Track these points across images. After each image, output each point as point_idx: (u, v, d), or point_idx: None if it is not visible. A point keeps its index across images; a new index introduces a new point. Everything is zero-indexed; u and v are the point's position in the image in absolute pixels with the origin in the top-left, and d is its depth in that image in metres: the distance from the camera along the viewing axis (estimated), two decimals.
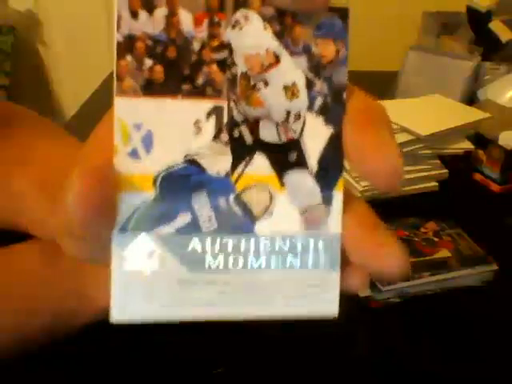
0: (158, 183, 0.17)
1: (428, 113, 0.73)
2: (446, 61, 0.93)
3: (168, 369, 0.37)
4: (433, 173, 0.68)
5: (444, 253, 0.52)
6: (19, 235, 0.31)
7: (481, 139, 0.71)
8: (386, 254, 0.17)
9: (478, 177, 0.72)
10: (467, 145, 0.70)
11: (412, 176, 0.66)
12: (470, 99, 0.91)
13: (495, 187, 0.70)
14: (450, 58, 0.93)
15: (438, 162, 0.69)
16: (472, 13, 1.01)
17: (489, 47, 0.98)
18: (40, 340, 0.30)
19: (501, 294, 0.49)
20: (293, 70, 0.17)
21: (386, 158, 0.16)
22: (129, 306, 0.17)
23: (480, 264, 0.50)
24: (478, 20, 1.00)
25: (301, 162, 0.18)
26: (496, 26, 0.98)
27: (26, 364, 0.31)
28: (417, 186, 0.67)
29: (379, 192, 0.17)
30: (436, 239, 0.54)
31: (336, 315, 0.18)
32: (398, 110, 0.70)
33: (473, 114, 0.72)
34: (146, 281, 0.17)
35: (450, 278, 0.49)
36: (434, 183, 0.68)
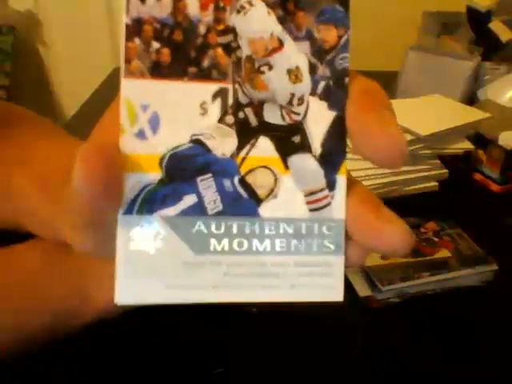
0: (164, 163, 0.17)
1: (428, 113, 0.73)
2: (446, 61, 0.93)
3: (168, 369, 0.37)
4: (433, 173, 0.68)
5: (444, 253, 0.52)
6: (19, 235, 0.31)
7: (481, 139, 0.71)
8: (390, 232, 0.17)
9: (478, 177, 0.72)
10: (467, 145, 0.70)
11: (412, 176, 0.66)
12: (470, 99, 0.91)
13: (495, 187, 0.70)
14: (450, 58, 0.93)
15: (438, 162, 0.69)
16: (472, 13, 1.01)
17: (489, 47, 0.98)
18: (40, 340, 0.30)
19: (501, 294, 0.49)
20: (296, 55, 0.18)
21: (390, 135, 0.16)
22: (133, 287, 0.17)
23: (480, 264, 0.50)
24: (478, 20, 1.00)
25: (304, 145, 0.18)
26: (496, 26, 0.98)
27: (26, 364, 0.31)
28: (417, 186, 0.67)
29: (382, 167, 0.17)
30: (436, 239, 0.54)
31: (341, 299, 0.18)
32: (398, 109, 0.69)
33: (473, 114, 0.72)
34: (151, 262, 0.17)
35: (450, 278, 0.49)
36: (433, 183, 0.68)
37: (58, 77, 1.74)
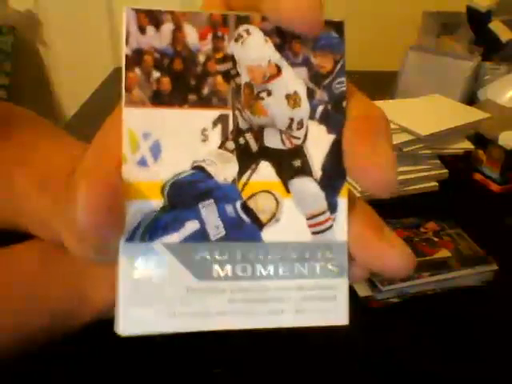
0: (166, 191, 0.17)
1: (428, 113, 0.73)
2: (446, 61, 0.93)
3: (168, 368, 0.37)
4: (433, 173, 0.68)
5: (444, 253, 0.52)
6: (19, 235, 0.31)
7: (481, 139, 0.71)
8: (393, 256, 0.17)
9: (478, 177, 0.72)
10: (467, 145, 0.70)
11: (412, 176, 0.66)
12: (470, 99, 0.91)
13: (495, 187, 0.70)
14: (450, 58, 0.93)
15: (438, 161, 0.69)
16: (472, 13, 1.01)
17: (489, 47, 0.98)
18: (39, 340, 0.30)
19: (501, 294, 0.49)
20: (294, 80, 0.18)
21: (380, 170, 0.17)
22: (137, 317, 0.17)
23: (480, 264, 0.50)
24: (478, 20, 1.00)
25: (305, 169, 0.18)
26: (496, 26, 0.98)
27: (26, 364, 0.31)
28: (417, 186, 0.67)
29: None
30: (436, 239, 0.54)
31: (346, 323, 0.18)
32: (397, 110, 0.70)
33: (473, 114, 0.72)
34: (154, 291, 0.17)
35: (450, 277, 0.49)
36: (433, 183, 0.68)
37: (58, 77, 1.74)
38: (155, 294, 0.17)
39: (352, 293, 0.49)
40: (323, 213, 0.18)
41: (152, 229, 0.17)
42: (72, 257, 0.28)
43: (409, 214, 0.58)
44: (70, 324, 0.30)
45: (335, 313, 0.18)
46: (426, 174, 0.67)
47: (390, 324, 0.45)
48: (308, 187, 0.18)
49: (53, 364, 0.34)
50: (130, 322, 0.17)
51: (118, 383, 0.35)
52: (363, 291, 0.47)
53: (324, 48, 0.18)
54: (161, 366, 0.37)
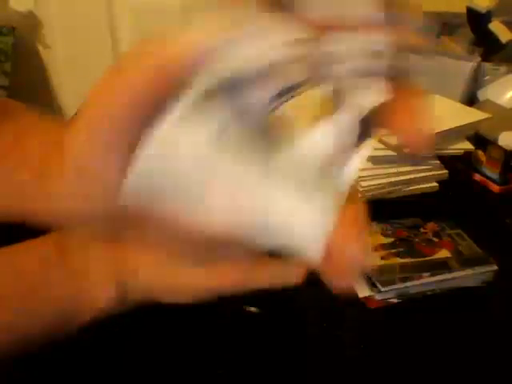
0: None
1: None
2: (446, 61, 0.93)
3: (172, 368, 0.37)
4: (433, 173, 0.68)
5: (444, 253, 0.52)
6: (19, 235, 0.31)
7: (481, 139, 0.71)
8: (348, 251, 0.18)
9: (477, 177, 0.72)
10: (467, 145, 0.70)
11: (412, 176, 0.66)
12: (470, 99, 0.91)
13: (495, 187, 0.70)
14: (450, 59, 0.93)
15: (438, 162, 0.69)
16: (472, 13, 1.01)
17: (489, 47, 0.98)
18: (39, 340, 0.30)
19: (501, 294, 0.49)
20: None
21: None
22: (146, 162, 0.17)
23: (480, 264, 0.50)
24: (477, 20, 1.00)
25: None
26: (496, 27, 0.98)
27: (26, 364, 0.31)
28: (417, 187, 0.67)
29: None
30: (436, 240, 0.54)
31: (318, 260, 0.18)
32: None
33: (473, 115, 0.72)
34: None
35: (450, 278, 0.49)
36: (433, 184, 0.68)
37: (58, 77, 1.74)
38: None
39: (352, 293, 0.49)
40: (345, 152, 0.18)
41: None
42: (72, 257, 0.28)
43: (409, 214, 0.58)
44: (71, 324, 0.30)
45: (309, 244, 0.18)
46: (425, 174, 0.67)
47: (390, 324, 0.45)
48: (346, 125, 0.18)
49: (53, 364, 0.34)
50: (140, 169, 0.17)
51: (119, 383, 0.35)
52: (363, 291, 0.47)
53: None
54: (164, 366, 0.37)
